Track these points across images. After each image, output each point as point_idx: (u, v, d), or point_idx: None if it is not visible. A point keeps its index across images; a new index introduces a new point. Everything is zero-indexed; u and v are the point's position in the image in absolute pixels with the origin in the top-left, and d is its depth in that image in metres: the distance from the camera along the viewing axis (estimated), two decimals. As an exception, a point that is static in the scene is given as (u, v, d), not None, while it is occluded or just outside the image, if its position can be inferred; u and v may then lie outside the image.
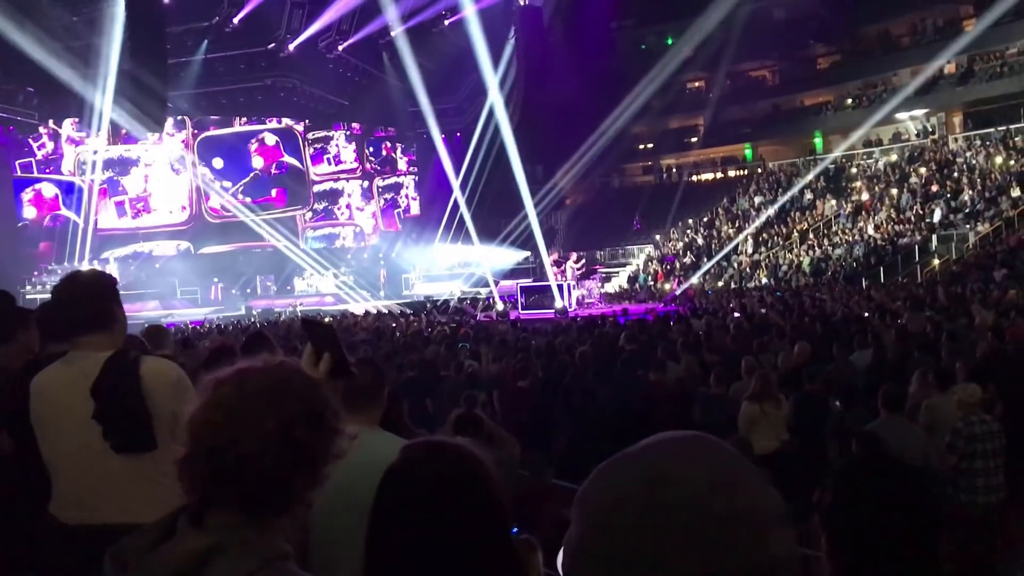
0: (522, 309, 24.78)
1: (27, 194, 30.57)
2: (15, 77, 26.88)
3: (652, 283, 32.43)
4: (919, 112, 33.42)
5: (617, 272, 35.08)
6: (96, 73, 26.05)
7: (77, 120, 30.21)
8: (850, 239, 29.40)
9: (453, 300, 28.50)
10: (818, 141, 38.01)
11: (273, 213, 34.80)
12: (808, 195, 33.99)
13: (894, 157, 33.99)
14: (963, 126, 33.53)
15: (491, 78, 28.34)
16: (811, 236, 31.03)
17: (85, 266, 28.66)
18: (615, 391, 8.04)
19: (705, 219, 35.90)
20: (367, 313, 24.54)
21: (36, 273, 27.93)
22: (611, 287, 32.57)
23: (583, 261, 27.44)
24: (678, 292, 28.37)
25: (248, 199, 34.24)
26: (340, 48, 33.55)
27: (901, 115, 32.99)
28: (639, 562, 0.88)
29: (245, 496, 1.36)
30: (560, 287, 24.63)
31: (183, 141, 33.74)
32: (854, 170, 34.58)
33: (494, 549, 1.52)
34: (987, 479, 5.65)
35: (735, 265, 31.52)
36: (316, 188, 36.56)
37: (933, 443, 5.95)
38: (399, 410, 4.44)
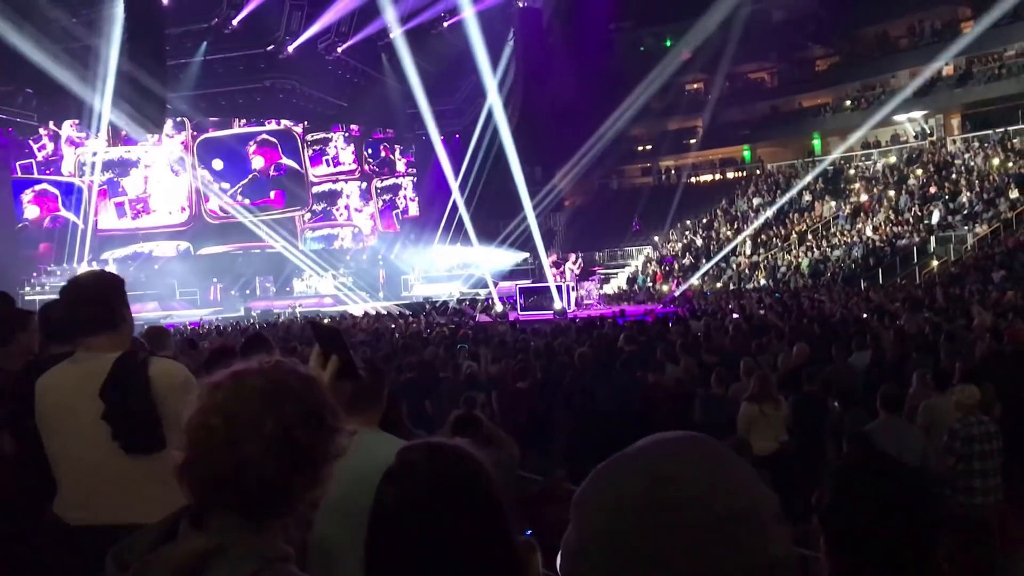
0: (521, 310, 24.79)
1: (27, 195, 30.54)
2: (14, 79, 26.85)
3: (651, 284, 32.43)
4: (917, 114, 33.43)
5: (616, 273, 35.09)
6: (95, 75, 26.05)
7: (77, 122, 30.21)
8: (849, 240, 29.41)
9: (452, 301, 28.50)
10: (816, 143, 38.02)
11: (272, 214, 34.81)
12: (807, 197, 34.00)
13: (893, 159, 34.02)
14: (961, 128, 33.54)
15: (490, 80, 28.35)
16: (810, 238, 31.05)
17: (84, 267, 28.64)
18: (614, 392, 8.04)
19: (704, 220, 35.93)
20: (366, 314, 24.53)
21: (35, 274, 27.89)
22: (610, 288, 32.57)
23: (579, 262, 27.42)
24: (677, 293, 28.37)
25: (247, 200, 34.25)
26: (339, 50, 33.55)
27: (899, 117, 33.00)
28: (640, 563, 0.88)
29: (245, 499, 1.35)
30: (559, 288, 24.63)
31: (182, 143, 33.73)
32: (852, 172, 34.61)
33: (494, 550, 1.52)
34: (984, 480, 5.66)
35: (734, 266, 31.53)
36: (315, 189, 36.59)
37: (931, 444, 5.95)
38: (398, 411, 4.44)
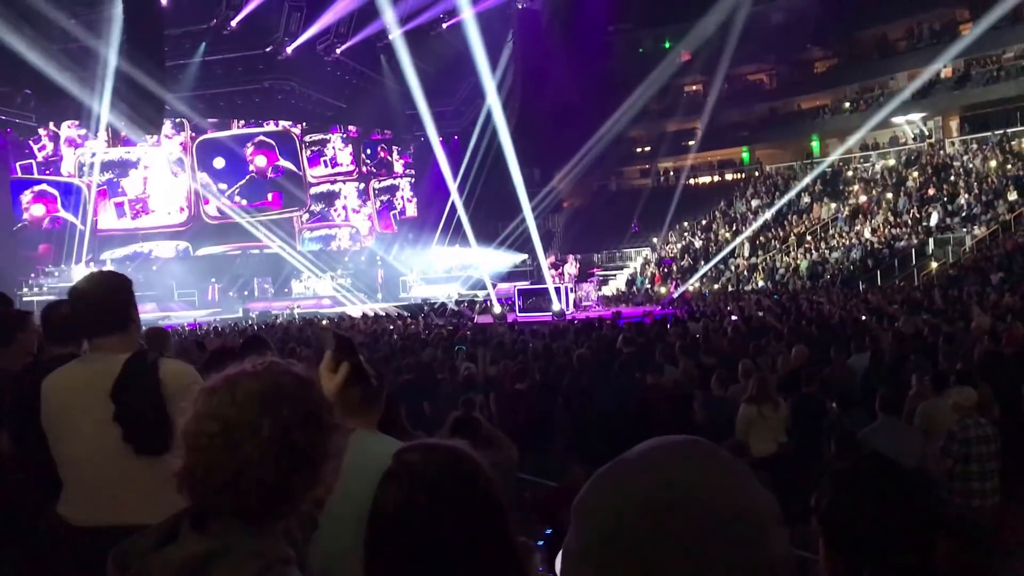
0: (519, 311, 24.79)
1: (26, 196, 30.54)
2: (12, 79, 26.83)
3: (649, 286, 32.44)
4: (916, 116, 33.47)
5: (614, 275, 35.10)
6: (94, 76, 26.04)
7: (76, 122, 30.22)
8: (847, 242, 29.43)
9: (450, 303, 28.50)
10: (815, 144, 38.04)
11: (270, 215, 34.83)
12: (805, 198, 34.03)
13: (891, 161, 34.05)
14: (960, 130, 33.58)
15: (489, 81, 28.34)
16: (808, 239, 31.08)
17: (81, 268, 28.64)
18: (612, 394, 8.04)
19: (703, 222, 35.95)
20: (364, 315, 24.52)
21: (33, 275, 27.87)
22: (608, 290, 32.57)
23: (577, 264, 27.37)
24: (675, 295, 28.37)
25: (244, 202, 34.26)
26: (338, 51, 33.55)
27: (898, 119, 33.03)
28: (641, 566, 0.88)
29: (246, 503, 1.35)
30: (557, 290, 24.63)
31: (181, 144, 33.72)
32: (851, 173, 34.64)
33: (493, 550, 1.52)
34: (982, 482, 5.66)
35: (732, 268, 31.55)
36: (313, 190, 36.60)
37: (930, 446, 5.96)
38: (396, 413, 4.44)
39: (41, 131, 30.57)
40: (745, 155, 40.47)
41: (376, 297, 33.25)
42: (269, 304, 31.47)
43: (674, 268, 33.20)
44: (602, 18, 36.95)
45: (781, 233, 32.35)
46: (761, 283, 29.36)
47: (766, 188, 36.43)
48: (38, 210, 30.61)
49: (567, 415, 8.08)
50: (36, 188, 30.70)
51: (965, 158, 31.03)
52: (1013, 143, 30.24)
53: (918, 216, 28.80)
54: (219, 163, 34.22)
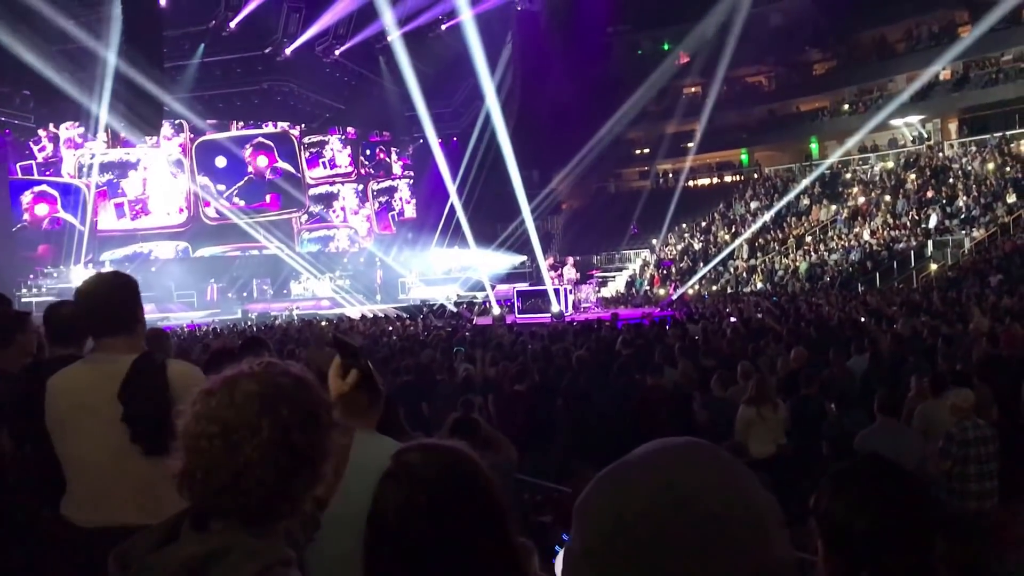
0: (518, 313, 24.79)
1: (26, 196, 30.56)
2: (11, 80, 26.82)
3: (648, 288, 32.46)
4: (914, 118, 33.49)
5: (613, 277, 35.11)
6: (92, 77, 26.02)
7: (75, 124, 30.23)
8: (846, 244, 29.45)
9: (449, 304, 28.50)
10: (814, 147, 38.06)
11: (268, 216, 34.86)
12: (804, 200, 34.04)
13: (890, 163, 34.08)
14: (959, 132, 33.61)
15: (488, 83, 28.33)
16: (807, 241, 31.10)
17: (80, 269, 28.66)
18: (612, 395, 8.05)
19: (702, 224, 35.97)
20: (363, 317, 24.51)
21: (32, 276, 27.84)
22: (607, 291, 32.59)
23: (575, 267, 27.34)
24: (674, 296, 28.38)
25: (242, 203, 34.29)
26: (337, 52, 33.55)
27: (896, 121, 33.05)
28: (643, 569, 0.88)
29: (246, 504, 1.35)
30: (556, 291, 24.64)
31: (180, 145, 33.74)
32: (850, 176, 34.67)
33: (492, 549, 1.52)
34: (980, 484, 5.67)
35: (731, 270, 31.56)
36: (311, 192, 36.63)
37: (928, 448, 5.96)
38: (395, 414, 4.44)
39: (41, 132, 30.58)
40: (744, 157, 40.50)
41: (375, 298, 33.24)
42: (268, 305, 31.45)
43: (673, 270, 33.21)
44: (601, 20, 36.98)
45: (780, 235, 32.38)
46: (760, 285, 29.37)
47: (765, 190, 36.46)
48: (41, 210, 30.65)
49: (566, 416, 8.08)
50: (36, 189, 30.71)
51: (964, 160, 31.06)
52: (1012, 145, 30.27)
53: (917, 218, 28.83)
54: (218, 164, 34.24)
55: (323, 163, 37.10)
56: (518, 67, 34.39)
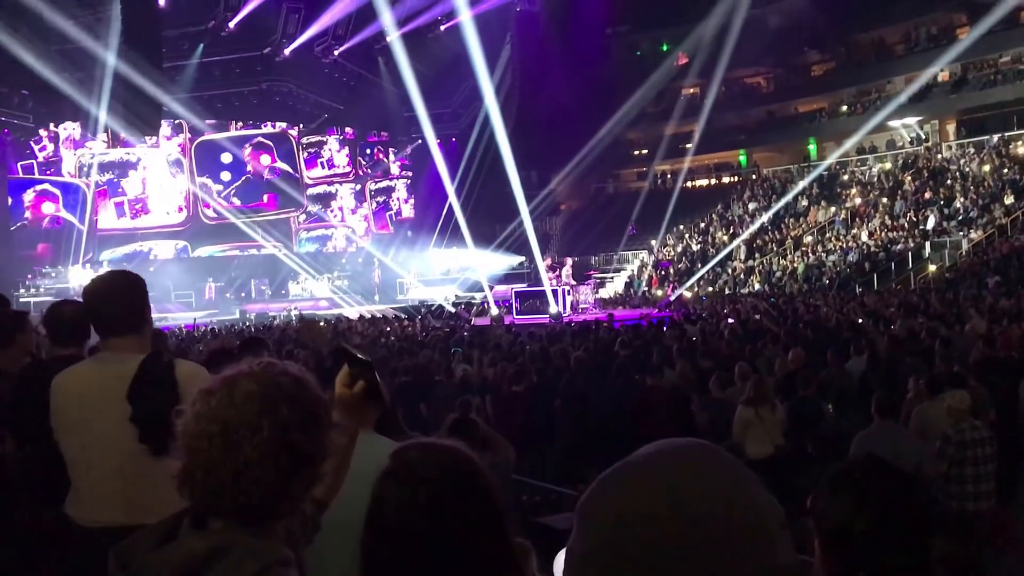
0: (517, 314, 24.79)
1: (28, 195, 30.58)
2: (10, 80, 26.79)
3: (646, 289, 32.47)
4: (912, 120, 33.52)
5: (612, 278, 35.12)
6: (91, 77, 26.00)
7: (75, 123, 30.23)
8: (844, 246, 29.47)
9: (447, 305, 28.49)
10: (812, 148, 38.08)
11: (266, 216, 34.88)
12: (802, 202, 34.07)
13: (888, 164, 34.10)
14: (956, 134, 33.64)
15: (487, 83, 28.35)
16: (805, 242, 31.12)
17: (78, 269, 28.66)
18: (610, 396, 8.05)
19: (700, 225, 35.98)
20: (361, 317, 24.50)
21: (30, 276, 27.82)
22: (606, 292, 32.60)
23: (570, 268, 27.33)
24: (672, 298, 28.39)
25: (238, 202, 34.31)
26: (336, 53, 33.55)
27: (894, 122, 33.08)
28: (646, 572, 0.88)
29: (246, 503, 1.35)
30: (555, 292, 24.64)
31: (179, 145, 33.75)
32: (848, 177, 34.69)
33: (490, 548, 1.53)
34: (977, 485, 5.67)
35: (729, 271, 31.58)
36: (309, 192, 36.64)
37: (925, 449, 5.97)
38: (394, 414, 4.44)
39: (42, 132, 30.59)
40: (742, 158, 40.51)
41: (373, 299, 33.24)
42: (266, 306, 31.43)
43: (671, 271, 33.22)
44: (600, 21, 36.97)
45: (778, 236, 32.39)
46: (758, 286, 29.39)
47: (763, 191, 36.49)
48: (48, 208, 30.71)
49: (565, 417, 8.09)
50: (39, 187, 30.74)
51: (962, 162, 31.09)
52: (1010, 147, 30.30)
53: (915, 219, 28.86)
54: (217, 164, 34.25)
55: (321, 163, 37.13)
56: (517, 68, 34.40)
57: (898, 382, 7.74)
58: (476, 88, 29.81)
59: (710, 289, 30.29)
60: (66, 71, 25.81)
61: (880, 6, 33.76)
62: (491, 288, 28.60)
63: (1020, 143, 30.25)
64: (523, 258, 32.87)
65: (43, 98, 27.78)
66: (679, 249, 35.07)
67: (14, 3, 22.88)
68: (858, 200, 32.29)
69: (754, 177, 38.47)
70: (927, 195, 29.98)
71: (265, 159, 35.37)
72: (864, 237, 29.38)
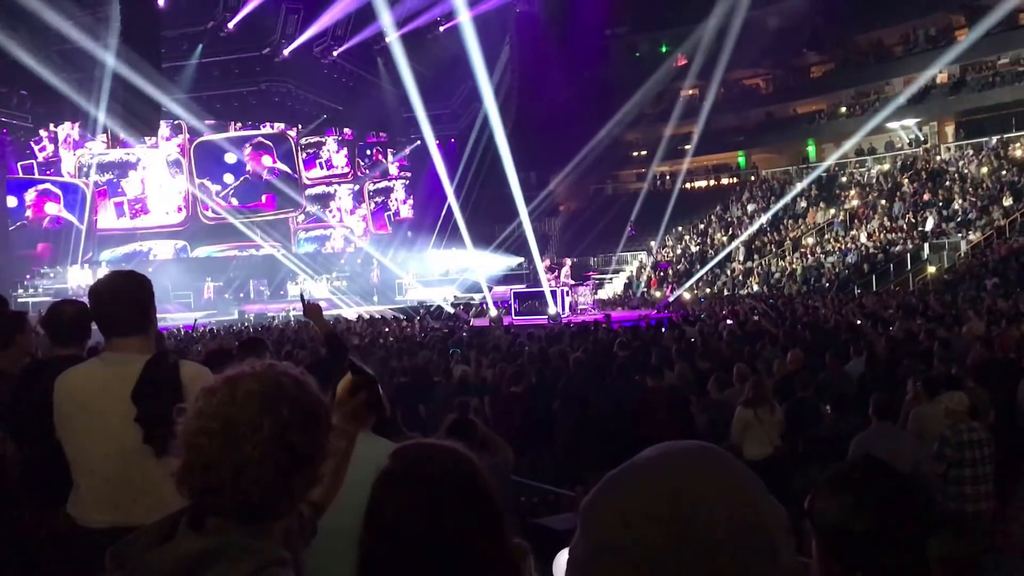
0: (515, 315, 24.79)
1: (29, 195, 30.58)
2: (8, 80, 26.78)
3: (645, 290, 32.48)
4: (911, 121, 33.55)
5: (611, 279, 35.12)
6: (90, 77, 25.98)
7: (74, 124, 30.23)
8: (842, 247, 29.49)
9: (446, 306, 28.48)
10: (811, 149, 38.11)
11: (264, 216, 34.90)
12: (801, 203, 34.09)
13: (887, 166, 34.14)
14: (955, 135, 33.68)
15: (486, 84, 28.36)
16: (804, 244, 31.13)
17: (78, 269, 28.65)
18: (609, 397, 8.05)
19: (699, 226, 35.99)
20: (360, 318, 24.49)
21: (29, 276, 27.80)
22: (605, 293, 32.60)
23: (568, 269, 27.31)
24: (671, 299, 28.40)
25: (235, 202, 34.32)
26: (335, 53, 33.55)
27: (893, 124, 33.11)
28: (652, 575, 0.88)
29: (244, 502, 1.36)
30: (553, 293, 24.64)
31: (179, 145, 33.77)
32: (846, 178, 34.72)
33: (488, 548, 1.53)
34: (975, 486, 5.68)
35: (728, 272, 31.59)
36: (308, 192, 36.66)
37: (923, 450, 5.97)
38: (392, 415, 4.44)
39: (42, 132, 30.59)
40: (741, 159, 40.53)
41: (372, 300, 33.22)
42: (265, 306, 31.39)
43: (670, 272, 33.23)
44: (599, 22, 37.00)
45: (777, 237, 32.41)
46: (756, 287, 29.40)
47: (762, 193, 36.51)
48: (51, 207, 30.73)
49: (564, 418, 8.08)
50: (40, 187, 30.76)
51: (960, 163, 31.12)
52: (1008, 148, 30.33)
53: (913, 221, 28.88)
54: (216, 165, 34.26)
55: (320, 164, 37.17)
56: (516, 69, 34.42)
57: (896, 383, 7.74)
58: (475, 89, 29.82)
59: (709, 290, 30.30)
60: (65, 71, 25.80)
61: (879, 8, 33.81)
62: (490, 289, 28.60)
63: (1019, 145, 30.28)
64: (522, 259, 32.85)
65: (42, 98, 27.77)
66: (678, 250, 35.10)
67: (13, 3, 22.85)
68: (857, 201, 32.31)
69: (753, 178, 38.51)
70: (926, 197, 30.00)
71: (265, 160, 35.38)
72: (863, 239, 29.40)
